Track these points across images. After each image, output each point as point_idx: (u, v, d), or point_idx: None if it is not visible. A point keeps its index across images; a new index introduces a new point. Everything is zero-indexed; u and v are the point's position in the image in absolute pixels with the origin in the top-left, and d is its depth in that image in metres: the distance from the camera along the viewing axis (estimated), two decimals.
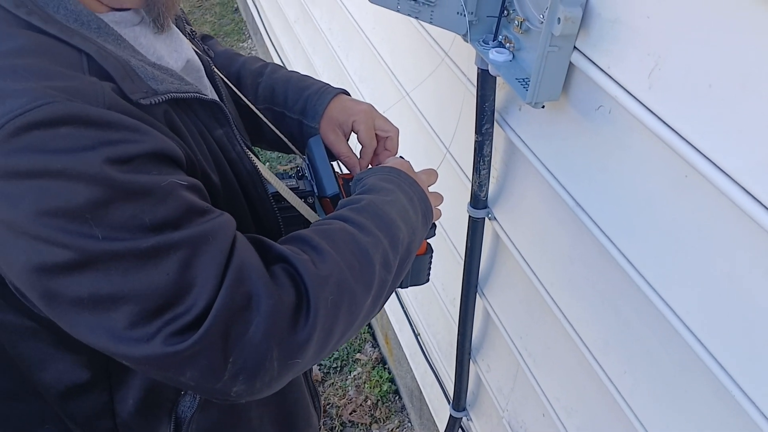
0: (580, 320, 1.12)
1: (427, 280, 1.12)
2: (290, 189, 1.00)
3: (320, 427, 1.22)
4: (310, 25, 2.64)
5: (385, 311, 2.39)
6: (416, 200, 0.93)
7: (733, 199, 0.72)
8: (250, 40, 4.77)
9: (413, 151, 1.74)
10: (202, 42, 1.06)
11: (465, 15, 1.09)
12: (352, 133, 1.12)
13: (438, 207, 1.02)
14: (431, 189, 1.04)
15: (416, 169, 1.04)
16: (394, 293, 2.17)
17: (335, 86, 1.16)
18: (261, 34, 3.91)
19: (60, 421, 0.93)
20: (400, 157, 1.10)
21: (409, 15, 1.12)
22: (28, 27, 0.69)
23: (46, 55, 0.68)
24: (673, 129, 0.80)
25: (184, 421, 0.94)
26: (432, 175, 1.04)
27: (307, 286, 0.73)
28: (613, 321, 1.02)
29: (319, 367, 2.60)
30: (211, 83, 0.97)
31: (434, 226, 1.04)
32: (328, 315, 0.74)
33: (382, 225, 0.84)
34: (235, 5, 5.30)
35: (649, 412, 0.98)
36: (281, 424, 1.09)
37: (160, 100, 0.73)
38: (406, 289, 2.11)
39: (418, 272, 1.09)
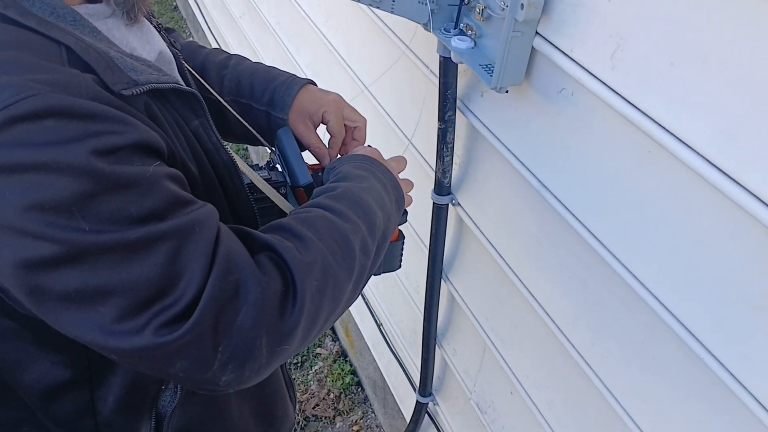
0: (548, 297, 1.16)
1: (400, 266, 1.14)
2: (264, 179, 1.00)
3: (296, 418, 1.23)
4: (258, 21, 2.62)
5: None
6: (389, 187, 0.95)
7: (696, 169, 0.77)
8: (191, 38, 4.70)
9: (372, 142, 1.76)
10: (167, 34, 1.05)
11: (426, 4, 1.11)
12: (321, 123, 1.13)
13: (409, 193, 1.04)
14: (401, 176, 1.06)
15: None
16: None
17: (302, 77, 1.17)
18: (203, 31, 3.86)
19: (40, 424, 0.91)
20: (368, 146, 1.12)
21: (370, 5, 1.14)
22: (5, 21, 0.68)
23: (25, 48, 0.67)
24: (636, 107, 0.84)
25: (165, 415, 0.94)
26: (401, 162, 1.06)
27: (293, 273, 0.74)
28: (581, 296, 1.06)
29: None
30: (181, 75, 0.97)
31: (406, 212, 1.06)
32: (314, 301, 0.75)
33: (359, 211, 0.85)
34: (174, 3, 5.22)
35: (619, 381, 1.03)
36: (261, 416, 1.10)
37: (141, 90, 0.73)
38: (369, 281, 2.13)
39: (391, 259, 1.11)
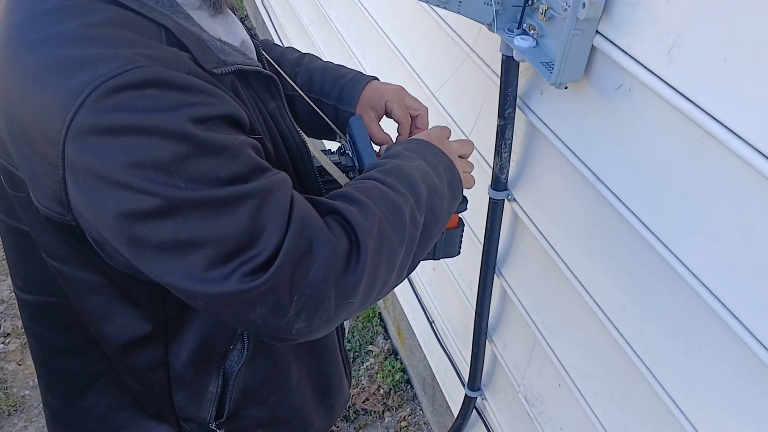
0: (598, 288, 1.20)
1: (459, 253, 1.19)
2: (334, 164, 1.08)
3: (350, 395, 1.29)
4: (326, 27, 2.72)
5: (398, 302, 2.47)
6: (441, 168, 1.00)
7: (747, 161, 0.81)
8: None
9: None
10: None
11: (492, 5, 1.17)
12: (386, 114, 1.20)
13: (469, 173, 1.08)
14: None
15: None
16: (407, 280, 2.25)
17: (367, 74, 1.25)
18: (272, 38, 4.00)
19: (115, 375, 1.00)
20: (438, 126, 1.17)
21: (437, 6, 1.20)
22: (110, 2, 0.77)
23: (129, 27, 0.76)
24: (690, 100, 0.88)
25: (232, 375, 1.02)
26: (465, 144, 1.11)
27: (357, 233, 0.81)
28: (630, 285, 1.10)
29: None
30: (261, 63, 1.05)
31: (466, 200, 1.10)
32: (373, 260, 0.82)
33: (407, 185, 0.92)
34: (245, 12, 5.39)
35: (665, 369, 1.06)
36: (317, 386, 1.16)
37: (229, 70, 0.82)
38: (421, 276, 2.19)
39: (450, 244, 1.17)
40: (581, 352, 1.32)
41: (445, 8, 1.21)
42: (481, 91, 1.46)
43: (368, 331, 2.79)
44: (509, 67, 1.24)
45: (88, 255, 0.84)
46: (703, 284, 0.93)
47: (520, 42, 1.15)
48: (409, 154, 0.99)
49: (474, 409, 1.91)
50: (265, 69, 1.05)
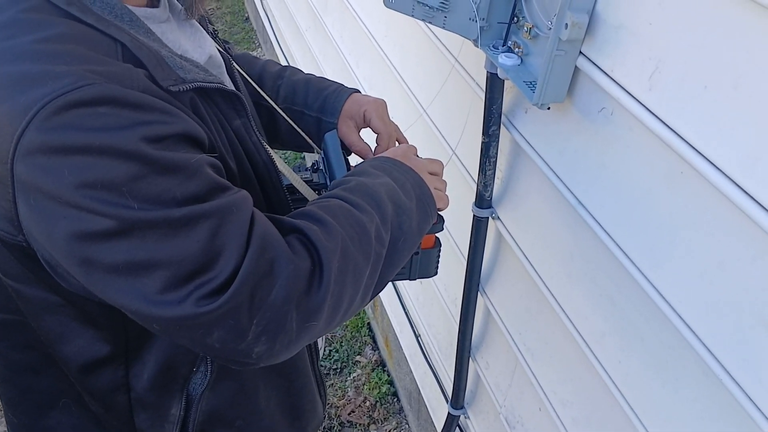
0: (578, 313, 1.17)
1: (436, 273, 1.17)
2: (304, 181, 1.05)
3: (325, 416, 1.27)
4: (322, 33, 2.71)
5: (386, 313, 2.44)
6: (409, 185, 0.97)
7: (725, 194, 0.78)
8: (260, 49, 4.85)
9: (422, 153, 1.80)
10: (223, 44, 1.12)
11: (477, 21, 1.15)
12: (365, 124, 1.18)
13: (441, 191, 1.05)
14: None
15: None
16: (395, 292, 2.22)
17: (349, 87, 1.24)
18: (271, 42, 3.99)
19: (77, 395, 0.97)
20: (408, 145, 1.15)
21: (423, 20, 1.19)
22: (66, 16, 0.75)
23: (84, 42, 0.73)
24: (670, 127, 0.86)
25: (195, 398, 0.99)
26: (435, 163, 1.08)
27: (320, 253, 0.79)
28: (609, 312, 1.07)
29: (319, 368, 2.64)
30: (231, 78, 1.03)
31: (442, 220, 1.08)
32: (337, 281, 0.80)
33: (371, 202, 0.89)
34: (246, 14, 5.39)
35: (641, 400, 1.03)
36: (288, 408, 1.14)
37: (187, 87, 0.79)
38: (408, 291, 2.16)
39: (426, 265, 1.14)
40: (561, 377, 1.29)
41: (430, 23, 1.19)
42: (467, 105, 1.44)
43: (356, 341, 2.76)
44: (494, 85, 1.22)
45: (42, 275, 0.81)
46: (679, 315, 0.91)
47: (505, 60, 1.13)
48: (375, 171, 0.96)
49: (457, 428, 1.88)
50: (235, 87, 1.03)
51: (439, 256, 1.14)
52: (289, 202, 0.99)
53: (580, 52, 1.01)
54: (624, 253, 1.00)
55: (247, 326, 0.74)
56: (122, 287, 0.71)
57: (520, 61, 1.13)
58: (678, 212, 0.89)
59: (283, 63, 3.55)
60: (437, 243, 1.13)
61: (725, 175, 0.78)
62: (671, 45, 0.84)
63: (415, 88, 1.76)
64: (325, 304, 0.79)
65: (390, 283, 1.02)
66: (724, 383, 0.84)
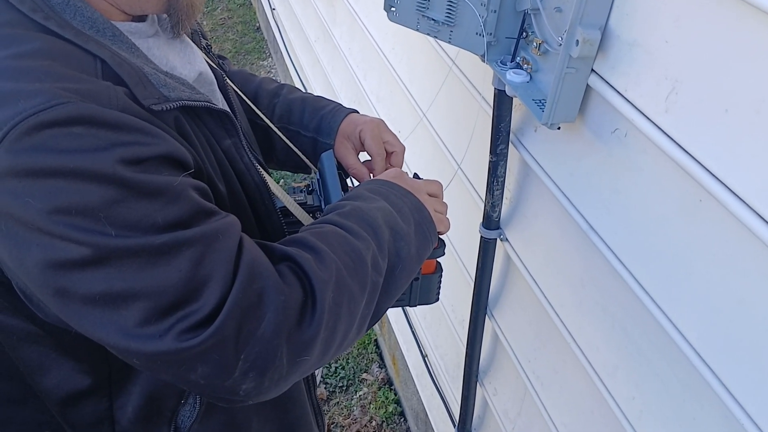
0: (590, 344, 1.11)
1: (437, 299, 1.11)
2: (298, 204, 1.00)
3: None
4: (330, 45, 2.67)
5: (393, 331, 2.39)
6: (407, 210, 0.93)
7: (747, 225, 0.72)
8: (270, 59, 4.83)
9: (427, 169, 1.75)
10: (219, 60, 1.08)
11: (484, 35, 1.10)
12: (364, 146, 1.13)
13: (442, 214, 1.00)
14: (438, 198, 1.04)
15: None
16: (402, 309, 2.17)
17: (347, 107, 1.19)
18: (281, 53, 3.96)
19: (59, 427, 0.93)
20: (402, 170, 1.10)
21: (428, 34, 1.14)
22: (44, 31, 0.71)
23: (61, 59, 0.69)
24: (688, 152, 0.80)
25: (183, 431, 0.94)
26: (433, 184, 1.03)
27: (313, 283, 0.74)
28: (623, 345, 1.01)
29: (324, 386, 2.59)
30: (224, 96, 0.99)
31: (443, 244, 1.03)
32: (332, 312, 0.75)
33: (368, 228, 0.85)
34: (257, 24, 5.37)
35: None
36: None
37: (171, 106, 0.74)
38: (414, 309, 2.10)
39: (427, 291, 1.09)
40: (572, 409, 1.23)
41: (436, 37, 1.14)
42: (472, 120, 1.39)
43: (363, 358, 2.71)
44: (502, 102, 1.17)
45: (19, 305, 0.77)
46: (697, 353, 0.84)
47: (513, 76, 1.07)
48: (371, 195, 0.91)
49: None
50: (229, 106, 0.98)
51: (440, 282, 1.09)
52: (283, 225, 0.94)
53: (592, 70, 0.95)
54: (638, 282, 0.94)
55: (234, 362, 0.69)
56: (99, 319, 0.66)
57: (529, 77, 1.07)
58: (696, 243, 0.83)
59: (293, 74, 3.52)
60: (438, 268, 1.07)
61: (747, 204, 0.73)
62: (689, 65, 0.79)
63: (422, 102, 1.71)
64: (318, 337, 0.74)
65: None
66: (746, 429, 0.78)
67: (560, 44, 0.95)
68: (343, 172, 1.10)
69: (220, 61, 1.07)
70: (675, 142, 0.82)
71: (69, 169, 0.62)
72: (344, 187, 1.04)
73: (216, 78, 0.96)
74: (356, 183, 1.13)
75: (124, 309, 0.65)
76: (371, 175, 1.11)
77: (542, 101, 1.03)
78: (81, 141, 0.63)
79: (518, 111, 1.20)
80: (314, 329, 0.73)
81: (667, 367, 0.92)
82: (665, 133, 0.83)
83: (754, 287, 0.75)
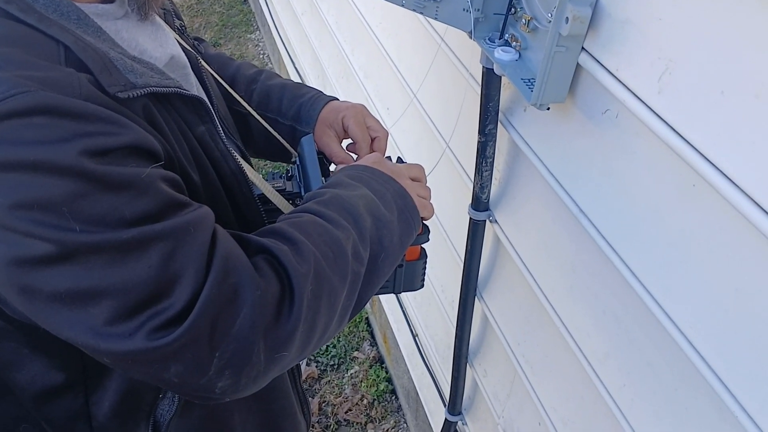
0: (580, 330, 1.09)
1: (422, 286, 1.08)
2: (277, 191, 0.97)
3: None
4: (317, 19, 2.60)
5: (383, 310, 2.37)
6: (389, 196, 0.89)
7: (742, 212, 0.69)
8: (258, 32, 4.74)
9: (416, 148, 1.71)
10: (196, 42, 1.04)
11: (471, 12, 1.05)
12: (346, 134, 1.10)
13: (425, 199, 0.97)
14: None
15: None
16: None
17: (328, 94, 1.15)
18: (269, 26, 3.88)
19: (36, 422, 0.90)
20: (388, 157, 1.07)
21: (414, 10, 1.09)
22: (4, 16, 0.67)
23: (21, 45, 0.66)
24: (681, 136, 0.77)
25: (162, 425, 0.92)
26: (415, 168, 1.00)
27: (290, 276, 0.72)
28: (614, 332, 0.99)
29: (316, 364, 2.58)
30: (198, 79, 0.95)
31: (428, 230, 1.00)
32: (310, 306, 0.73)
33: (349, 217, 0.82)
34: None
35: (648, 428, 0.95)
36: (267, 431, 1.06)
37: (139, 93, 0.70)
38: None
39: (411, 277, 1.06)
40: (562, 394, 1.21)
41: (422, 13, 1.10)
42: (460, 97, 1.35)
43: (354, 336, 2.69)
44: (490, 81, 1.13)
45: None
46: (691, 344, 0.82)
47: (501, 54, 1.03)
48: (351, 182, 0.88)
49: None
50: (205, 91, 0.94)
51: (425, 268, 1.06)
52: (262, 213, 0.91)
53: (583, 48, 0.91)
54: (630, 269, 0.91)
55: (208, 360, 0.66)
56: (66, 318, 0.63)
57: (518, 56, 1.04)
58: (690, 230, 0.80)
59: (281, 49, 3.46)
60: (423, 254, 1.04)
61: (742, 191, 0.69)
62: (684, 44, 0.75)
63: (410, 79, 1.67)
64: (297, 332, 0.71)
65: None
66: (739, 421, 0.76)
67: (550, 21, 0.91)
68: (324, 158, 1.07)
69: (197, 42, 1.03)
70: (668, 124, 0.79)
71: (30, 162, 0.59)
72: (324, 173, 1.00)
73: (190, 61, 0.92)
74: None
75: (92, 307, 0.63)
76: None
77: (531, 80, 0.99)
78: (42, 132, 0.60)
79: (507, 90, 1.16)
80: (292, 324, 0.71)
81: (659, 356, 0.90)
82: (658, 116, 0.80)
83: (751, 276, 0.72)
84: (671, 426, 0.90)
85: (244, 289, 0.67)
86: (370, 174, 0.90)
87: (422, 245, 1.02)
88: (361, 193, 0.85)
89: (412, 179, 0.96)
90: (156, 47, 0.82)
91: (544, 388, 1.27)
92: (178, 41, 0.91)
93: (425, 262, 1.04)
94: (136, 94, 0.69)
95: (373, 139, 1.09)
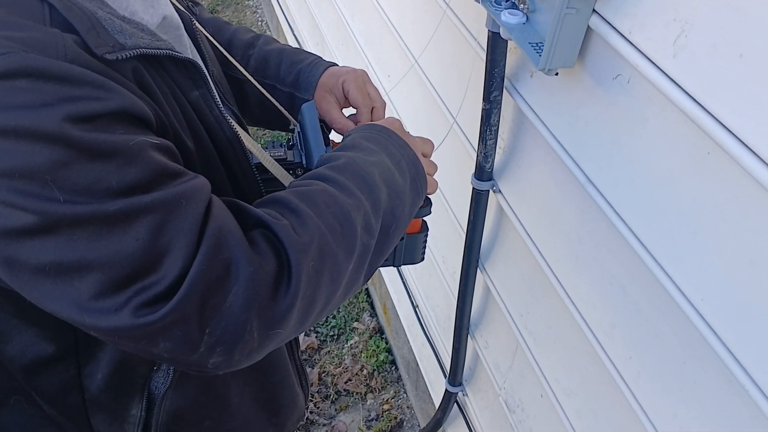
0: (586, 301, 1.07)
1: (422, 259, 1.06)
2: (277, 160, 0.93)
3: (307, 407, 1.17)
4: None
5: (383, 281, 2.35)
6: (404, 164, 0.87)
7: (760, 180, 0.67)
8: None
9: (417, 120, 1.68)
10: (192, 5, 1.00)
11: None
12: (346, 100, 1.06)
13: (431, 175, 0.95)
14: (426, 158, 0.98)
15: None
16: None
17: (327, 60, 1.12)
18: None
19: (28, 395, 0.88)
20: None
21: None
22: None
23: (4, 4, 0.62)
24: (697, 101, 0.74)
25: (157, 397, 0.90)
26: (428, 143, 0.98)
27: (288, 253, 0.69)
28: (621, 304, 0.97)
29: (315, 335, 2.57)
30: (193, 42, 0.91)
31: (430, 203, 0.97)
32: (310, 283, 0.70)
33: (363, 186, 0.79)
34: None
35: (655, 401, 0.94)
36: (264, 404, 1.04)
37: (128, 55, 0.67)
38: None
39: (412, 251, 1.03)
40: (565, 365, 1.19)
41: None
42: (468, 67, 1.31)
43: (354, 306, 2.68)
44: (496, 45, 1.09)
45: None
46: (701, 316, 0.80)
47: (508, 17, 1.00)
48: (370, 145, 0.85)
49: (456, 404, 1.80)
50: (200, 54, 0.91)
51: (425, 241, 1.04)
52: (259, 182, 0.87)
53: (594, 10, 0.88)
54: (639, 240, 0.89)
55: (198, 337, 0.64)
56: (50, 291, 0.61)
57: (525, 18, 1.00)
58: (703, 199, 0.77)
59: (279, 14, 3.40)
60: (424, 227, 1.02)
61: (761, 159, 0.67)
62: (701, 5, 0.72)
63: (412, 45, 1.63)
64: (294, 309, 0.69)
65: None
66: (750, 395, 0.74)
67: None
68: (325, 126, 1.04)
69: (191, 5, 0.99)
70: (683, 89, 0.76)
71: (11, 127, 0.56)
72: (327, 141, 0.97)
73: (184, 22, 0.88)
74: (340, 139, 1.07)
75: (77, 280, 0.60)
76: None
77: (539, 44, 0.96)
78: (24, 96, 0.57)
79: (513, 55, 1.13)
80: (289, 301, 0.68)
81: (668, 328, 0.88)
82: (673, 80, 0.77)
83: (766, 247, 0.70)
84: (679, 399, 0.88)
85: (237, 265, 0.65)
86: (387, 137, 0.87)
87: (423, 218, 1.00)
88: (378, 159, 0.82)
89: (423, 155, 0.93)
90: (147, 8, 0.78)
91: (547, 360, 1.25)
92: (171, 1, 0.87)
93: (426, 235, 1.02)
94: (125, 56, 0.66)
95: (371, 109, 1.06)
